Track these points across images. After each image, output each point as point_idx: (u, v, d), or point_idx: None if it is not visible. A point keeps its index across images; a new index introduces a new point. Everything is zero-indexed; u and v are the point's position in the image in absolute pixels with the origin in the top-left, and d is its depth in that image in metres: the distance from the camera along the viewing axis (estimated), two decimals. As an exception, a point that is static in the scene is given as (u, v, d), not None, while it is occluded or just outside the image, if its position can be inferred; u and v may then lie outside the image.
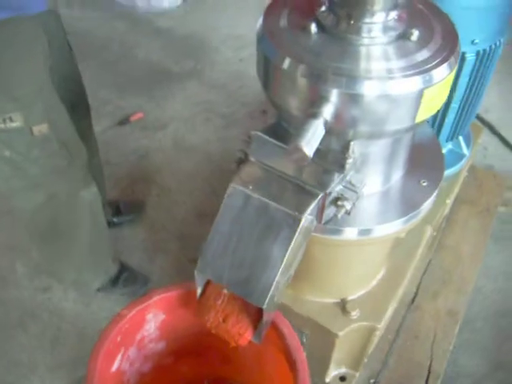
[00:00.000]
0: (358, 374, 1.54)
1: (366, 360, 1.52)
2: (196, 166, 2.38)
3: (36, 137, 1.32)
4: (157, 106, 2.68)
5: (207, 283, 1.09)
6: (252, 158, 1.02)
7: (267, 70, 0.99)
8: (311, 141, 0.83)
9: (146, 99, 2.70)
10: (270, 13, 1.03)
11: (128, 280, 1.88)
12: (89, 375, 1.01)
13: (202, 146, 2.47)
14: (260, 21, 1.02)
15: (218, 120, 2.62)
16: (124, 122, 2.49)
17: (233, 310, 1.06)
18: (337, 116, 0.89)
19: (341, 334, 1.31)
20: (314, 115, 0.87)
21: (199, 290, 1.08)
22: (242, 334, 1.05)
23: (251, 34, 1.04)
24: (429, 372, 1.59)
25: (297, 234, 0.94)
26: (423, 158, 1.20)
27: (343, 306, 1.34)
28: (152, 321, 1.16)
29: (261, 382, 1.32)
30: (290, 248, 0.94)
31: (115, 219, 2.07)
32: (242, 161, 1.06)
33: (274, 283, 0.95)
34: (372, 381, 1.58)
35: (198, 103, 2.71)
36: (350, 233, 1.10)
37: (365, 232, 1.10)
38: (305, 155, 0.82)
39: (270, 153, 1.02)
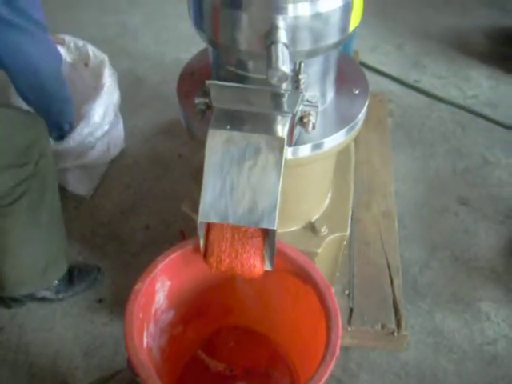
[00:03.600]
0: (333, 290, 1.68)
1: (338, 274, 1.67)
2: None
3: None
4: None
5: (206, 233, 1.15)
6: (216, 105, 1.09)
7: (210, 14, 1.06)
8: (285, 61, 0.92)
9: None
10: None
11: (82, 273, 1.86)
12: (133, 358, 1.03)
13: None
14: None
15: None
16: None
17: (239, 247, 1.13)
18: (293, 37, 0.99)
19: (319, 250, 1.43)
20: (273, 42, 0.96)
21: (202, 241, 1.14)
22: (256, 264, 1.13)
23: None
24: (388, 268, 1.78)
25: (284, 154, 1.04)
26: (345, 74, 1.35)
27: (312, 227, 1.46)
28: (161, 290, 1.20)
29: (264, 317, 1.41)
30: (281, 168, 1.04)
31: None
32: (205, 111, 1.13)
33: (278, 204, 1.05)
34: (347, 292, 1.73)
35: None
36: (304, 150, 1.19)
37: (317, 146, 1.21)
38: (284, 73, 0.92)
39: (231, 96, 1.09)
